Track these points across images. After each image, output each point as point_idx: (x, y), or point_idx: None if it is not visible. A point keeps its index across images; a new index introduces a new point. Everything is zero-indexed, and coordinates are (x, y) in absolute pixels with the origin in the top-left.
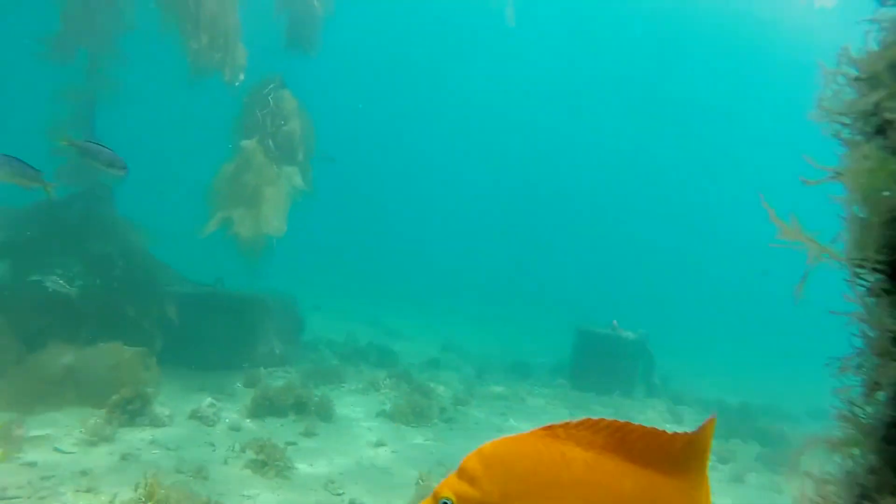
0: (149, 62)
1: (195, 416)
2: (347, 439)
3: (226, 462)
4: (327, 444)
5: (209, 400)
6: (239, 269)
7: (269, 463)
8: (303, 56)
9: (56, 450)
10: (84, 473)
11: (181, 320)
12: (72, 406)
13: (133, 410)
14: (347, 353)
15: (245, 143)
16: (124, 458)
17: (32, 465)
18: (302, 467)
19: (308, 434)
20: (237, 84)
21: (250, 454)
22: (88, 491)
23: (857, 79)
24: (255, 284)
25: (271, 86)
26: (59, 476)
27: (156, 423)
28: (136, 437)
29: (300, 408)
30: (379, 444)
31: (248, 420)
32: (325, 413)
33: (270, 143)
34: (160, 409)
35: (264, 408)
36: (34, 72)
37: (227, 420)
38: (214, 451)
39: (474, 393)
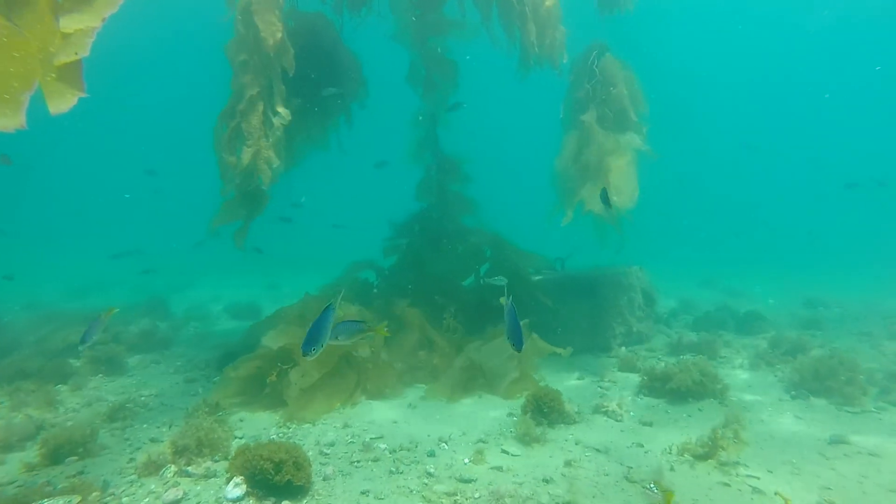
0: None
1: (599, 410)
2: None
3: (672, 468)
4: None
5: (599, 391)
6: (583, 245)
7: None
8: (617, 15)
9: (504, 451)
10: (546, 481)
11: (544, 305)
12: (483, 391)
13: (547, 411)
14: (701, 323)
15: (584, 117)
16: (568, 464)
17: (498, 469)
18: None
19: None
20: (563, 63)
21: (689, 457)
22: None
23: None
24: (604, 260)
25: (594, 53)
26: (528, 484)
27: (567, 420)
28: (560, 436)
29: (697, 392)
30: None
31: (645, 412)
32: (722, 396)
33: (608, 111)
34: (568, 406)
35: (655, 392)
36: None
37: (632, 415)
38: (646, 453)
39: None
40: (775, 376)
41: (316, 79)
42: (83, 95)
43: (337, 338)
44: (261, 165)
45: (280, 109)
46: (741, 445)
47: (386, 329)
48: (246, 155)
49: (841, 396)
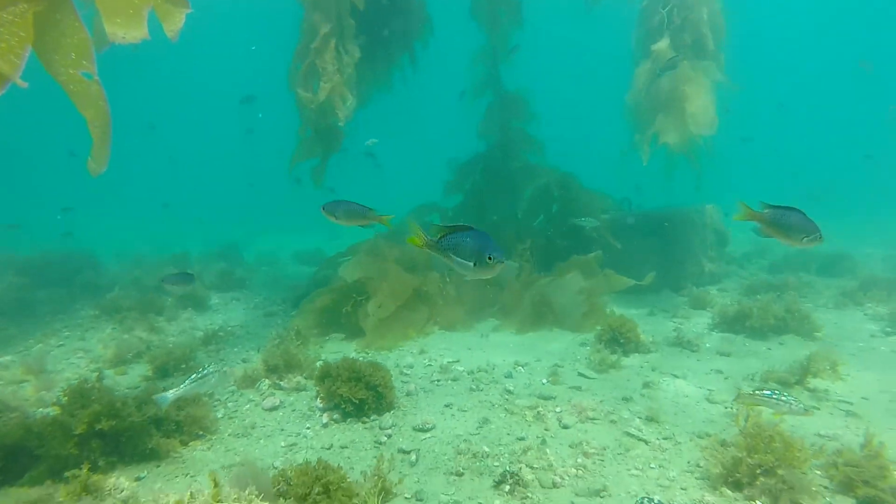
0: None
1: (674, 342)
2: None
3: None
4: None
5: (672, 325)
6: (653, 183)
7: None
8: None
9: (581, 374)
10: (626, 400)
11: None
12: (552, 326)
13: (622, 340)
14: (778, 266)
15: (656, 46)
16: (647, 386)
17: (577, 388)
18: None
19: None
20: None
21: (774, 384)
22: (651, 420)
23: None
24: (677, 199)
25: None
26: (608, 401)
27: (642, 350)
28: (636, 363)
29: (778, 328)
30: None
31: (722, 344)
32: (808, 332)
33: (686, 37)
34: (642, 336)
35: (733, 329)
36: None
37: (708, 346)
38: (726, 379)
39: None
40: (865, 314)
41: (381, 17)
42: (189, 11)
43: (335, 216)
44: (336, 102)
45: (350, 47)
46: (837, 378)
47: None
48: (323, 91)
49: None
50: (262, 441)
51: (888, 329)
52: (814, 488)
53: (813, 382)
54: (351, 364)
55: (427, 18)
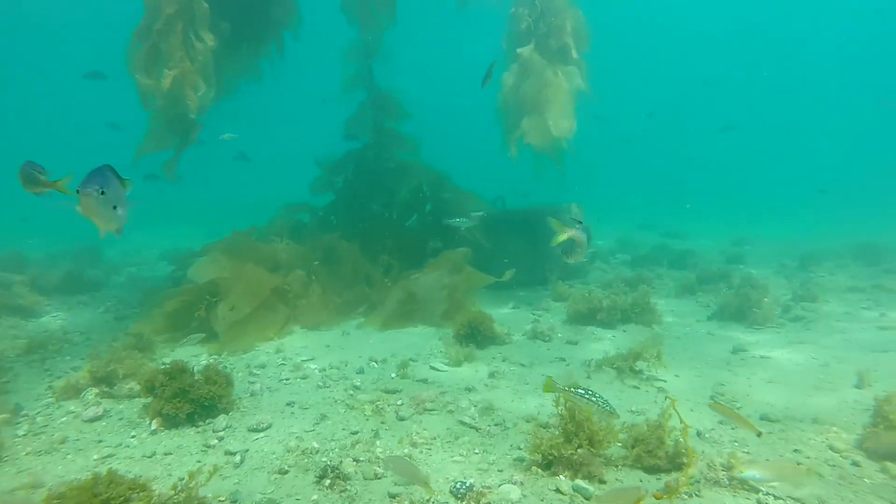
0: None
1: (529, 333)
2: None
3: (589, 377)
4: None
5: (532, 317)
6: (530, 182)
7: (640, 375)
8: None
9: (432, 368)
10: (469, 390)
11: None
12: (419, 322)
13: (479, 337)
14: (638, 261)
15: (521, 50)
16: (492, 375)
17: (424, 381)
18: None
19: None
20: None
21: (608, 368)
22: (487, 408)
23: None
24: (543, 197)
25: None
26: (451, 392)
27: (498, 342)
28: (489, 355)
29: (625, 318)
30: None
31: (573, 334)
32: (651, 318)
33: (551, 43)
34: (499, 329)
35: (586, 319)
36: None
37: (560, 335)
38: (567, 366)
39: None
40: (697, 302)
41: (246, 3)
42: None
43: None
44: (186, 90)
45: (202, 33)
46: (660, 363)
47: None
48: (167, 78)
49: (751, 316)
50: (69, 456)
51: (709, 314)
52: (611, 461)
53: (640, 365)
54: (178, 377)
55: (296, 9)
